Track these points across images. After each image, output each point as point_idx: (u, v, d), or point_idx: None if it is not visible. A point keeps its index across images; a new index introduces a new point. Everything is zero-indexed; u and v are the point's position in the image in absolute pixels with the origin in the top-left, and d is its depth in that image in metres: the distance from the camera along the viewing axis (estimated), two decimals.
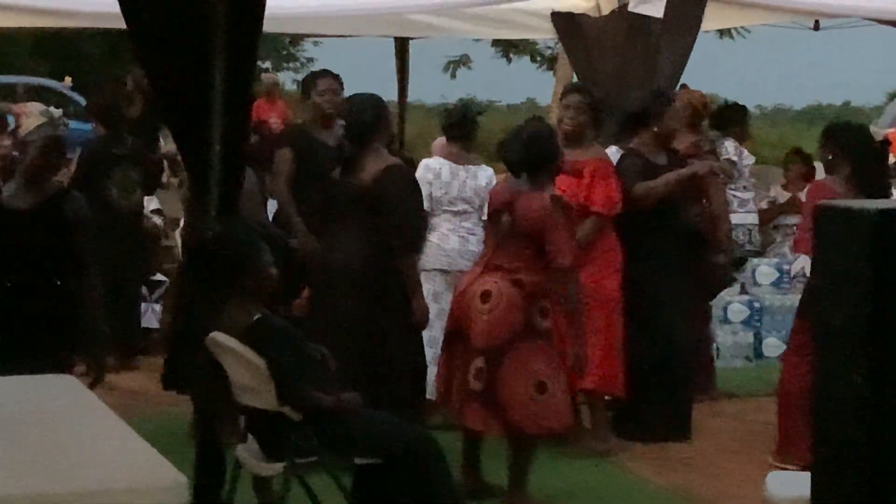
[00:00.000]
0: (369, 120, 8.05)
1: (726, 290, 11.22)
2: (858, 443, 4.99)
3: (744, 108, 12.82)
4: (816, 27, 14.46)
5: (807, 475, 5.54)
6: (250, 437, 6.60)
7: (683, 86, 10.75)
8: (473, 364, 7.46)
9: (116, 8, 6.31)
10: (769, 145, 15.27)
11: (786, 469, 6.49)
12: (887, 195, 7.48)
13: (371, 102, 8.46)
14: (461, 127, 9.13)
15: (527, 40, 21.80)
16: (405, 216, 7.94)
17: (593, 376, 8.53)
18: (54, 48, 23.45)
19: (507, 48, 26.62)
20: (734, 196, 11.80)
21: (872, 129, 9.91)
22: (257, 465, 6.44)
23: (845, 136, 7.67)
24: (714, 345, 10.33)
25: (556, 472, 8.04)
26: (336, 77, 8.62)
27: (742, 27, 15.37)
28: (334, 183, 8.20)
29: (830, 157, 7.60)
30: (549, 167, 7.45)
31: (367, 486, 6.50)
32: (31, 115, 8.65)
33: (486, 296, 7.33)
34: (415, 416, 7.63)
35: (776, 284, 11.29)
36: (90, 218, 7.75)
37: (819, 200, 6.94)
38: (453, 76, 28.69)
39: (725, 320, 11.08)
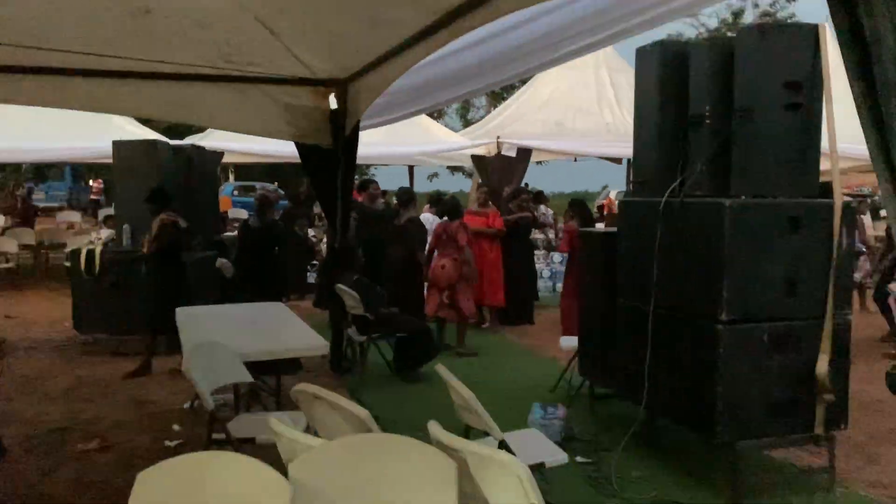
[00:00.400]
0: (408, 199, 8.12)
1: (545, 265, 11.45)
2: (600, 325, 5.02)
3: (542, 192, 12.88)
4: (575, 160, 14.32)
5: (576, 337, 5.59)
6: (353, 326, 6.46)
7: (526, 184, 10.69)
8: (443, 294, 7.44)
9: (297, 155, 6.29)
10: (556, 208, 15.10)
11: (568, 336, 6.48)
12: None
13: (409, 191, 8.76)
14: (439, 203, 9.16)
15: (461, 166, 21.50)
16: (418, 236, 7.71)
17: (490, 298, 8.55)
18: (272, 168, 23.06)
19: (454, 169, 26.25)
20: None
21: (598, 201, 10.05)
22: (356, 337, 6.63)
23: (577, 206, 7.96)
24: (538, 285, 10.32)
25: (476, 338, 7.81)
26: (376, 182, 8.83)
27: (544, 160, 15.19)
28: (389, 224, 8.03)
29: (571, 215, 7.82)
30: (456, 213, 7.74)
31: (403, 345, 6.70)
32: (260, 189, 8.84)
33: (443, 266, 7.39)
34: (420, 316, 7.42)
35: (561, 263, 11.30)
36: (286, 234, 7.95)
37: (568, 232, 7.77)
38: (431, 181, 28.52)
39: (541, 276, 11.07)
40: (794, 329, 4.07)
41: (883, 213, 12.78)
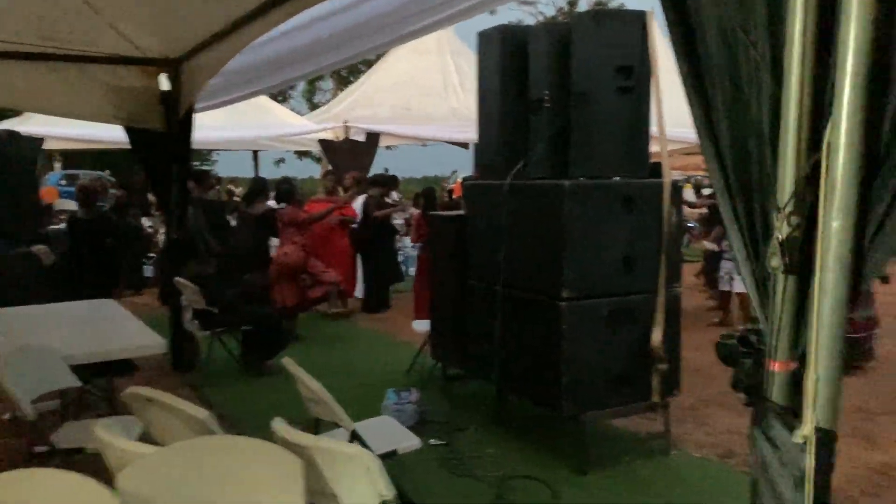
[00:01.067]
0: (259, 188, 7.60)
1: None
2: (452, 307, 5.01)
3: (395, 177, 12.63)
4: (424, 145, 14.34)
5: (428, 321, 5.52)
6: (196, 320, 6.02)
7: (386, 169, 10.66)
8: (299, 279, 7.24)
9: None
10: (409, 193, 15.07)
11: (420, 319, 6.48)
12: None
13: (262, 180, 8.22)
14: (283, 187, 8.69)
15: (309, 151, 21.03)
16: (273, 223, 7.28)
17: (346, 285, 8.17)
18: (104, 155, 21.25)
19: (301, 154, 25.61)
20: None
21: (447, 184, 10.09)
22: (198, 333, 6.18)
23: (426, 192, 7.96)
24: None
25: (331, 326, 7.89)
26: (211, 173, 8.54)
27: (393, 145, 15.09)
28: (243, 212, 7.64)
29: (421, 201, 7.83)
30: (293, 200, 7.32)
31: (249, 337, 6.30)
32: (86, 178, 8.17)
33: (286, 254, 7.20)
34: (267, 305, 6.95)
35: (413, 247, 11.27)
36: (118, 225, 7.31)
37: (416, 219, 7.96)
38: (278, 166, 27.54)
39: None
40: (631, 304, 4.25)
41: (706, 191, 13.80)
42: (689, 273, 10.10)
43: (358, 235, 8.73)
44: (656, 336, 4.20)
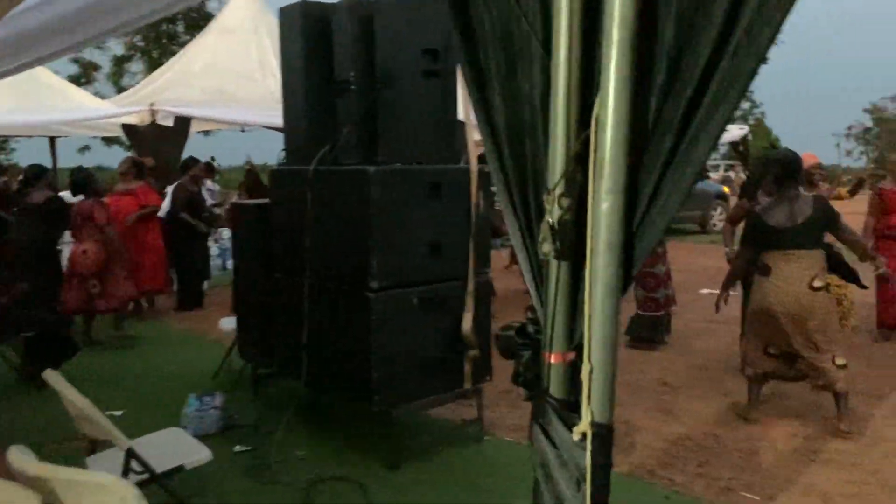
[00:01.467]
0: (35, 175, 6.36)
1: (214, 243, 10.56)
2: (258, 302, 4.78)
3: (210, 164, 11.74)
4: (243, 130, 13.60)
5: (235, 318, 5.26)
6: None
7: (213, 157, 9.96)
8: (89, 284, 6.37)
9: None
10: (233, 182, 14.35)
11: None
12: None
13: (38, 166, 6.57)
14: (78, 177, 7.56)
15: (118, 137, 19.41)
16: (63, 214, 6.35)
17: (151, 283, 7.71)
18: None
19: (109, 141, 23.54)
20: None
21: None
22: None
23: (249, 179, 7.43)
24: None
25: (135, 328, 7.14)
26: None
27: (210, 131, 14.24)
28: (22, 203, 6.59)
29: (244, 190, 7.31)
30: (90, 191, 6.45)
31: (33, 345, 5.43)
32: None
33: (84, 252, 6.39)
34: (53, 308, 6.11)
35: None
36: None
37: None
38: (82, 154, 25.13)
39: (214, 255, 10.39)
40: (441, 291, 4.15)
41: None
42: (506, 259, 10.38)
43: (167, 230, 8.07)
44: (467, 322, 4.13)
